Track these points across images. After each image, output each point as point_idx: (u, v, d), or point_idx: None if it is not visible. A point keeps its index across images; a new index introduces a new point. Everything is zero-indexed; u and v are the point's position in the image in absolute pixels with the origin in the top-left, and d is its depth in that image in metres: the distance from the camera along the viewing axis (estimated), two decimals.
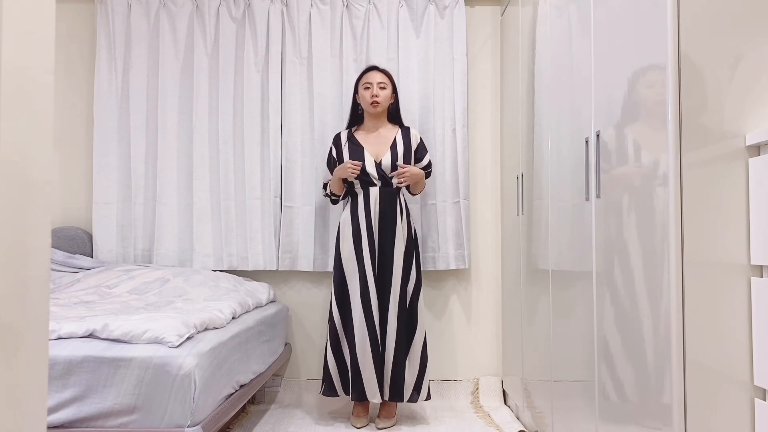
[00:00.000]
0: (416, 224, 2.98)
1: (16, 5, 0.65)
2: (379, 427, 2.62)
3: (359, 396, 2.58)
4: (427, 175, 2.79)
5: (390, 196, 2.66)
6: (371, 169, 2.66)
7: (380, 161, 2.66)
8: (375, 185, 2.66)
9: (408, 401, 2.63)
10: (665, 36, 1.26)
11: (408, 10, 3.09)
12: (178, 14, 3.09)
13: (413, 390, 2.62)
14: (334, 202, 2.80)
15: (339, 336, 2.66)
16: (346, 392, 2.65)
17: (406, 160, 2.70)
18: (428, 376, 2.68)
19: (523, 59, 2.57)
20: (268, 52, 3.07)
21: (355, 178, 2.66)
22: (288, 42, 3.08)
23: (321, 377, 2.75)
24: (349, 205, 2.72)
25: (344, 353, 2.65)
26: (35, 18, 0.69)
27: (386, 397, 2.61)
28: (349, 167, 2.62)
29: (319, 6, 3.09)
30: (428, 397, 2.67)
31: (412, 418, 2.77)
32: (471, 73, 3.17)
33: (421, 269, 2.79)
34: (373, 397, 2.57)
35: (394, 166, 2.66)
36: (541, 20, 2.25)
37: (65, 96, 3.15)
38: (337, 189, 2.72)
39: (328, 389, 2.67)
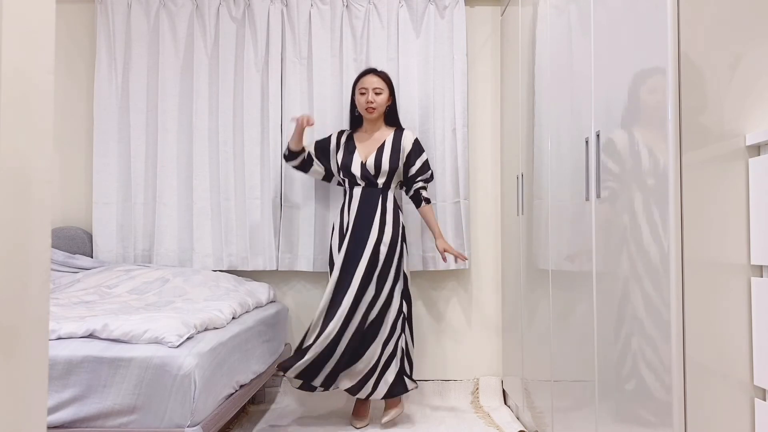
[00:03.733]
0: (414, 225, 2.99)
1: (16, 5, 0.65)
2: (384, 420, 2.63)
3: (327, 384, 2.58)
4: (429, 178, 2.77)
5: (371, 196, 2.68)
6: (355, 170, 2.69)
7: (365, 161, 2.69)
8: (359, 185, 2.70)
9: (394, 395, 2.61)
10: (665, 36, 1.26)
11: (408, 10, 3.09)
12: (178, 14, 3.09)
13: (393, 385, 2.60)
14: (290, 157, 2.82)
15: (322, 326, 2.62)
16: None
17: (393, 162, 2.69)
18: (406, 371, 2.67)
19: (523, 59, 2.57)
20: (268, 52, 3.07)
21: (343, 178, 2.72)
22: (288, 42, 3.08)
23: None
24: (340, 203, 2.79)
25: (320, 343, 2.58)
26: (35, 18, 0.69)
27: (364, 396, 2.59)
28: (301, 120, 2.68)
29: (319, 6, 3.09)
30: (413, 384, 2.66)
31: (412, 418, 2.78)
32: (471, 73, 3.17)
33: (407, 268, 2.74)
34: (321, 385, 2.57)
35: (377, 167, 2.67)
36: (541, 20, 2.25)
37: (65, 96, 3.15)
38: (294, 144, 2.77)
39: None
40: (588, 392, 1.70)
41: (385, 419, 2.64)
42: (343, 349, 2.54)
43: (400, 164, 2.72)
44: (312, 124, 2.74)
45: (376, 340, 2.58)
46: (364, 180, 2.69)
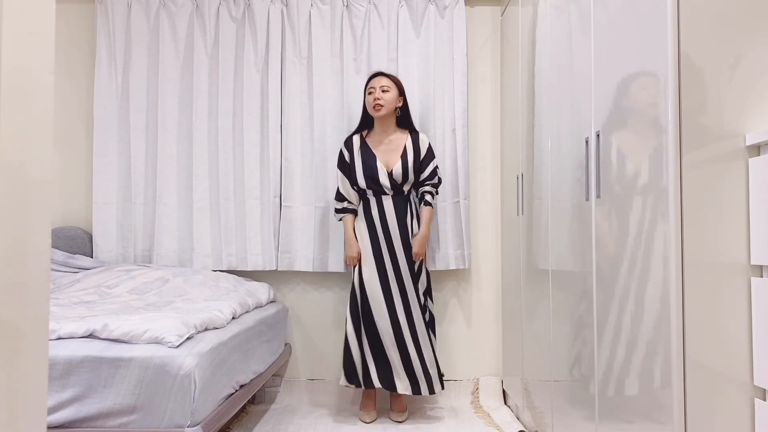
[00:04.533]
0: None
1: (16, 5, 0.65)
2: (399, 420, 2.72)
3: (369, 384, 2.67)
4: (437, 183, 2.79)
5: (402, 205, 2.72)
6: (384, 180, 2.70)
7: (391, 171, 2.70)
8: (387, 194, 2.71)
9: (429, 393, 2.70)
10: (665, 36, 1.26)
11: (408, 10, 3.09)
12: (178, 14, 3.09)
13: (429, 384, 2.69)
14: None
15: (364, 330, 2.69)
16: (361, 383, 2.71)
17: (416, 168, 2.74)
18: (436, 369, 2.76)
19: (523, 59, 2.57)
20: (268, 52, 3.07)
21: (368, 188, 2.72)
22: (288, 42, 3.08)
23: (343, 369, 2.75)
24: (361, 211, 2.76)
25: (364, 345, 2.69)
26: (35, 18, 0.69)
27: (409, 391, 2.66)
28: (351, 260, 2.74)
29: (319, 6, 3.09)
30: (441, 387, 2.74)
31: (413, 418, 2.78)
32: (471, 73, 3.17)
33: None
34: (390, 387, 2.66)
35: (405, 176, 2.71)
36: (541, 20, 2.25)
37: (65, 96, 3.15)
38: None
39: (354, 379, 2.72)
40: (588, 392, 1.71)
41: (401, 419, 2.73)
42: (398, 355, 2.64)
43: (411, 173, 2.74)
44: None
45: (423, 340, 2.67)
46: (393, 189, 2.71)
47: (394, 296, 2.65)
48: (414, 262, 2.70)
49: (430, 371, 2.66)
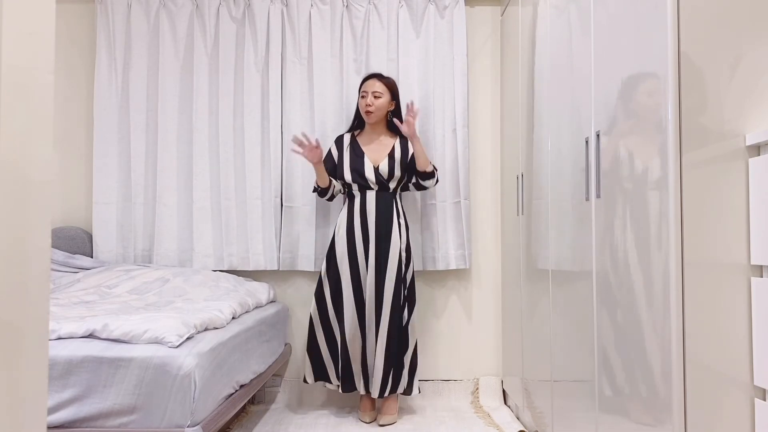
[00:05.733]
0: (414, 225, 3.00)
1: (16, 5, 0.65)
2: (380, 423, 2.67)
3: (349, 387, 2.70)
4: (433, 175, 2.80)
5: (386, 201, 2.72)
6: (369, 174, 2.72)
7: (378, 166, 2.72)
8: (372, 189, 2.72)
9: (403, 393, 2.71)
10: (665, 36, 1.26)
11: (408, 11, 3.09)
12: (178, 14, 3.09)
13: (406, 387, 2.70)
14: (322, 194, 2.82)
15: (333, 328, 2.73)
16: (338, 381, 2.74)
17: (404, 167, 2.76)
18: (418, 375, 2.77)
19: (523, 59, 2.57)
20: (268, 52, 3.07)
21: (353, 182, 2.73)
22: (288, 42, 3.08)
23: (309, 366, 2.78)
24: (346, 206, 2.78)
25: (337, 345, 2.72)
26: (35, 18, 0.69)
27: (376, 394, 2.65)
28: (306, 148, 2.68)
29: (319, 6, 3.09)
30: (418, 391, 2.76)
31: (412, 418, 2.78)
32: (471, 73, 3.17)
33: (415, 270, 2.85)
34: (360, 389, 2.69)
35: (391, 172, 2.72)
36: (541, 20, 2.25)
37: (65, 96, 3.15)
38: (321, 181, 2.77)
39: (321, 376, 2.78)
40: (588, 392, 1.71)
41: (382, 422, 2.68)
42: (375, 355, 2.65)
43: (398, 172, 2.75)
44: (315, 146, 2.69)
45: (399, 341, 2.66)
46: (378, 184, 2.72)
47: (365, 296, 2.66)
48: (390, 257, 2.66)
49: (396, 374, 2.64)
